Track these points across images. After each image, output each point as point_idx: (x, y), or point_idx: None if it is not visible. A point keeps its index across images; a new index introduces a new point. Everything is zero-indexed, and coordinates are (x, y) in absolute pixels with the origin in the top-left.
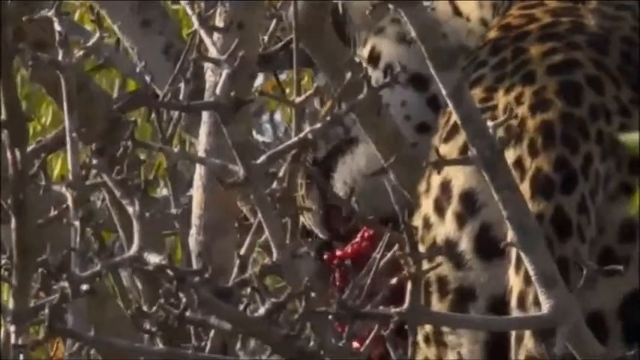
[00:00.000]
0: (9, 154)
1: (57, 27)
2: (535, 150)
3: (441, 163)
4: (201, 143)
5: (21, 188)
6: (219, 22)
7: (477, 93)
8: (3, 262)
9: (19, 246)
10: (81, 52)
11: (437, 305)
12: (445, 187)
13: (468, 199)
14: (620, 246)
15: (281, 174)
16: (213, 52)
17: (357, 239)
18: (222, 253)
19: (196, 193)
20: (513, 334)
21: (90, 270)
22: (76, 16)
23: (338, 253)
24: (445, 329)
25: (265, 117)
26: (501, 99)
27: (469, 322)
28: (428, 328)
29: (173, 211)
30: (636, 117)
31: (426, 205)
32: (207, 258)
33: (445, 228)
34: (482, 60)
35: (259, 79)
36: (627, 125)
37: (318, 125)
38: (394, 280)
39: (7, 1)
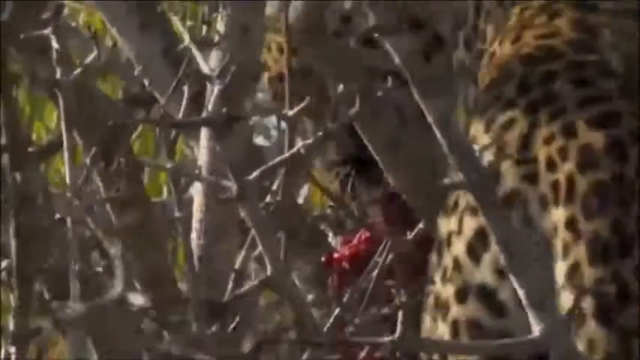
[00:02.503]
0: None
1: (54, 44)
2: (590, 212)
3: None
4: (202, 147)
5: (22, 212)
6: (221, 26)
7: (511, 140)
8: (4, 265)
9: (19, 274)
10: (79, 70)
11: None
12: (481, 232)
13: None
14: None
15: (274, 187)
16: (204, 68)
17: (354, 242)
18: (223, 257)
19: (197, 196)
20: None
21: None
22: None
23: (335, 255)
24: None
25: None
26: (541, 149)
27: (459, 348)
28: None
29: (177, 214)
30: None
31: (457, 247)
32: (207, 262)
33: (480, 274)
34: (510, 99)
35: None
36: None
37: (310, 140)
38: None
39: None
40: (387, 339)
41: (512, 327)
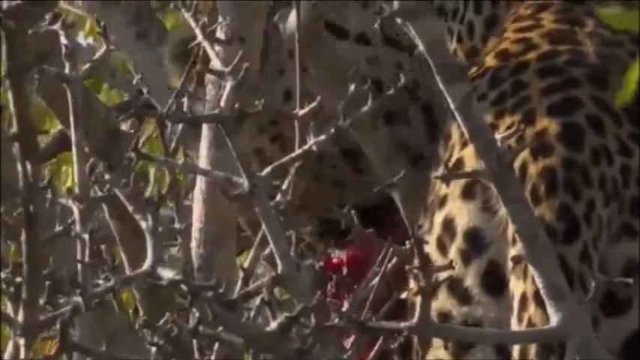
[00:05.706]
0: (19, 167)
1: (63, 40)
2: (537, 197)
3: (449, 176)
4: (202, 157)
5: (31, 201)
6: (220, 36)
7: None
8: (3, 275)
9: (30, 259)
10: (87, 65)
11: (438, 341)
12: (448, 224)
13: (474, 237)
14: (623, 287)
15: (285, 186)
16: (216, 65)
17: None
18: (222, 265)
19: (197, 206)
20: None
21: (101, 284)
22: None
23: (334, 260)
24: None
25: None
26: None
27: (478, 336)
28: None
29: (177, 225)
30: (637, 155)
31: (429, 245)
32: (207, 271)
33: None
34: (482, 92)
35: None
36: (628, 165)
37: (322, 137)
38: (404, 295)
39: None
40: (405, 324)
41: (477, 314)
